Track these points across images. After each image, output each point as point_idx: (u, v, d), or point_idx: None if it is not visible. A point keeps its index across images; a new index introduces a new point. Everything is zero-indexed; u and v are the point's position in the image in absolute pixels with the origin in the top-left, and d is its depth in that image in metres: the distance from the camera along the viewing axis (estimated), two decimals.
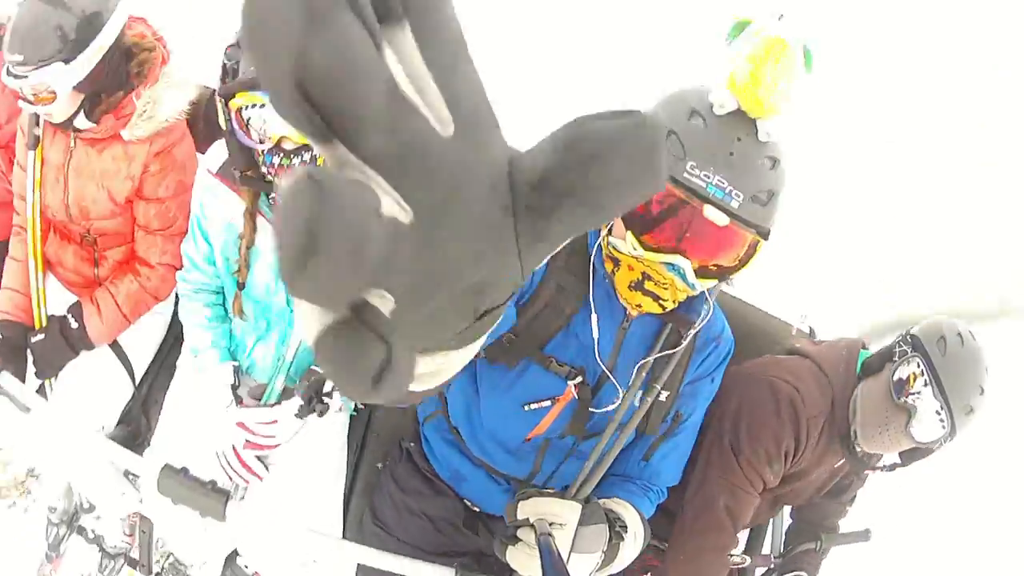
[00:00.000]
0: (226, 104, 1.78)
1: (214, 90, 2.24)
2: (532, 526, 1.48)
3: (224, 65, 1.80)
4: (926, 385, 1.98)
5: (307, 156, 1.81)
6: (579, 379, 1.74)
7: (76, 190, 2.38)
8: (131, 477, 2.57)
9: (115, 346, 2.55)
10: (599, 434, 1.77)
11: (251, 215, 2.01)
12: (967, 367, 2.00)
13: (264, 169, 1.86)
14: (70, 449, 2.43)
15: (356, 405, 2.49)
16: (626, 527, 1.62)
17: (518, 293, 1.72)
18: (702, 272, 1.50)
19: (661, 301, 1.56)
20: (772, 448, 2.11)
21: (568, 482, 1.76)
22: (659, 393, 1.74)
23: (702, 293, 1.62)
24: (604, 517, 1.56)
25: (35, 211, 2.44)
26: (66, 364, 2.47)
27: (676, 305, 1.60)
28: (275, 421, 2.07)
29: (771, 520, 2.57)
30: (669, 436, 1.87)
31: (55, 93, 2.11)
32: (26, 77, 2.05)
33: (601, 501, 1.64)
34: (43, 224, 2.50)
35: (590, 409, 1.78)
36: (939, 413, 1.97)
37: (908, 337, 2.09)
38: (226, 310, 2.30)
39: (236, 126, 1.80)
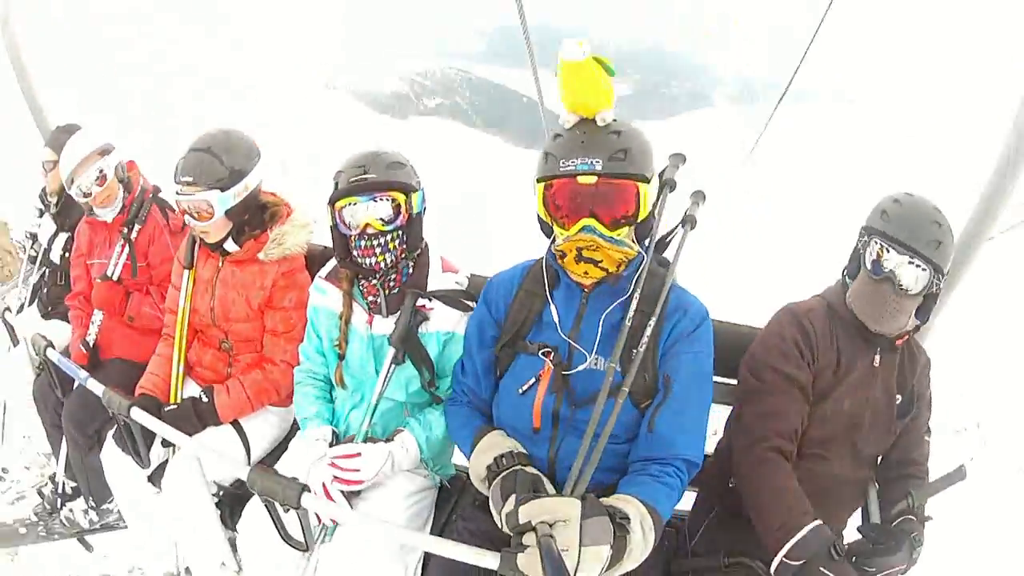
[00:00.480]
0: (332, 206, 2.54)
1: (325, 247, 3.03)
2: (534, 530, 1.73)
3: (336, 184, 2.54)
4: (888, 251, 2.30)
5: (382, 240, 2.52)
6: (552, 355, 2.20)
7: (221, 297, 3.03)
8: (235, 550, 2.88)
9: (237, 426, 3.01)
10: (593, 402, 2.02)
11: (348, 296, 2.68)
12: (912, 215, 2.31)
13: (355, 252, 2.56)
14: (184, 498, 2.78)
15: (443, 482, 2.85)
16: (628, 518, 1.82)
17: (498, 308, 2.30)
18: (615, 224, 2.07)
19: (600, 264, 2.11)
20: (779, 343, 2.43)
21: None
22: (638, 355, 2.06)
23: (637, 259, 2.14)
24: (603, 509, 1.78)
25: (184, 317, 3.09)
26: (191, 435, 2.83)
27: (617, 268, 2.13)
28: (359, 454, 2.44)
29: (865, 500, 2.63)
30: (664, 401, 2.11)
31: (213, 212, 2.85)
32: (192, 195, 2.83)
33: (604, 501, 1.85)
34: (189, 332, 3.14)
35: (564, 372, 2.19)
36: (912, 262, 2.27)
37: (861, 230, 2.43)
38: (330, 395, 2.81)
39: (338, 220, 2.54)
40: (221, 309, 3.05)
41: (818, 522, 2.15)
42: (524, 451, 2.17)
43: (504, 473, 2.06)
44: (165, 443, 2.92)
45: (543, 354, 2.22)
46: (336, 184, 2.54)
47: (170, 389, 3.08)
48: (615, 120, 2.09)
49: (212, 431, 2.93)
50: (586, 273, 2.15)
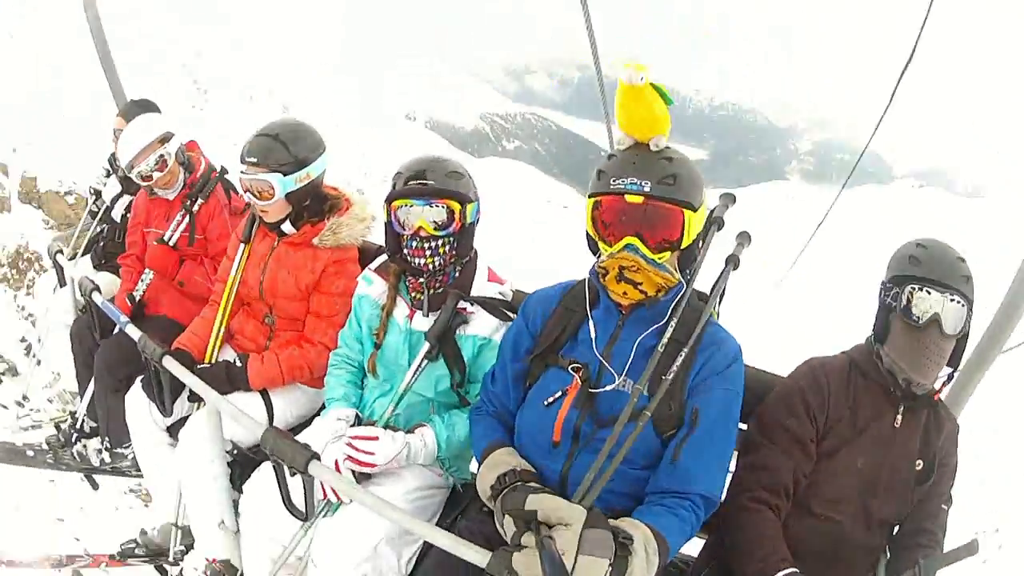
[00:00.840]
0: (389, 205, 2.66)
1: (380, 245, 3.13)
2: (533, 530, 1.79)
3: (394, 184, 2.67)
4: (928, 292, 2.30)
5: (433, 243, 2.64)
6: (582, 371, 2.24)
7: (271, 272, 3.18)
8: (238, 513, 2.90)
9: (265, 396, 3.12)
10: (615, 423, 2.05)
11: (394, 289, 2.81)
12: (942, 255, 2.37)
13: (406, 251, 2.68)
14: (199, 451, 2.88)
15: (457, 485, 2.90)
16: (631, 539, 1.83)
17: (535, 322, 2.41)
18: (659, 248, 2.13)
19: (639, 286, 2.16)
20: (787, 395, 2.48)
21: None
22: (666, 382, 2.05)
23: (676, 287, 2.21)
24: (608, 525, 1.81)
25: (233, 285, 3.26)
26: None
27: (655, 292, 2.19)
28: (376, 438, 2.51)
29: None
30: (691, 433, 2.12)
31: (273, 192, 3.01)
32: (255, 175, 3.00)
33: (611, 522, 1.87)
34: (235, 302, 3.29)
35: (591, 390, 2.22)
36: (953, 299, 2.29)
37: (886, 284, 2.44)
38: (361, 382, 2.91)
39: (393, 219, 2.66)
40: (270, 284, 3.19)
41: (792, 570, 2.17)
42: (530, 468, 2.21)
43: (506, 491, 2.08)
44: (191, 398, 3.06)
45: (572, 369, 2.26)
46: (394, 184, 2.66)
47: (207, 350, 3.21)
48: (668, 147, 2.17)
49: (239, 396, 3.04)
50: (625, 294, 2.20)
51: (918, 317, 2.32)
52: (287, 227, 3.17)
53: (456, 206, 2.63)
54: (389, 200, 2.66)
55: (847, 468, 2.43)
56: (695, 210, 2.14)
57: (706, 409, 2.15)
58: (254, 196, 3.07)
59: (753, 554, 2.27)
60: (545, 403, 2.28)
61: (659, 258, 2.14)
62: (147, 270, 3.85)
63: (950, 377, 2.46)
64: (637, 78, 2.06)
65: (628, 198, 2.09)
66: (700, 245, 2.28)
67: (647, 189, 2.08)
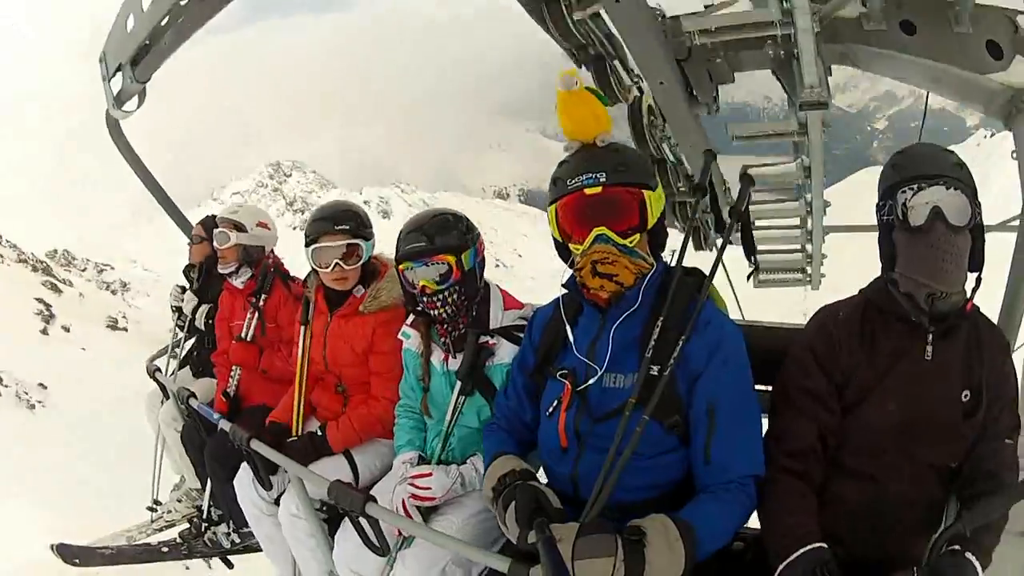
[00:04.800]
0: (398, 268, 3.00)
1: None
2: (536, 530, 1.94)
3: (398, 248, 2.97)
4: (920, 188, 2.09)
5: (441, 296, 2.88)
6: (570, 376, 2.33)
7: (331, 346, 3.59)
8: None
9: (349, 456, 3.48)
10: (613, 416, 2.19)
11: (427, 338, 3.11)
12: (923, 150, 2.23)
13: (420, 305, 2.97)
14: (295, 514, 3.22)
15: None
16: (643, 533, 1.93)
17: (534, 338, 2.54)
18: (625, 234, 2.23)
19: (615, 278, 2.24)
20: (798, 355, 2.31)
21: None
22: (650, 369, 2.10)
23: (652, 273, 2.27)
24: (609, 528, 1.91)
25: (303, 364, 3.68)
26: (308, 464, 3.30)
27: (633, 282, 2.26)
28: (430, 474, 2.82)
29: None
30: (714, 429, 2.15)
31: (362, 255, 3.48)
32: (347, 240, 3.44)
33: (633, 521, 1.98)
34: (310, 379, 3.70)
35: (580, 390, 2.30)
36: (948, 188, 2.06)
37: (878, 205, 2.21)
38: (424, 425, 3.20)
39: (404, 279, 2.99)
40: (332, 356, 3.60)
41: (811, 546, 2.02)
42: (529, 468, 2.34)
43: (504, 491, 2.22)
44: None
45: (561, 376, 2.36)
46: (398, 248, 2.97)
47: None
48: (614, 142, 2.33)
49: (329, 460, 3.41)
50: (602, 287, 2.26)
51: (916, 218, 2.08)
52: (358, 290, 3.55)
53: (451, 258, 2.89)
54: (397, 263, 2.99)
55: (879, 415, 2.19)
56: (652, 189, 2.27)
57: (719, 400, 2.17)
58: (341, 263, 3.45)
59: (776, 529, 2.15)
60: (547, 413, 2.42)
61: (630, 242, 2.24)
62: (234, 367, 4.36)
63: (978, 282, 2.20)
64: (572, 83, 2.24)
65: (587, 191, 2.22)
66: (664, 222, 2.38)
67: (603, 179, 2.21)
